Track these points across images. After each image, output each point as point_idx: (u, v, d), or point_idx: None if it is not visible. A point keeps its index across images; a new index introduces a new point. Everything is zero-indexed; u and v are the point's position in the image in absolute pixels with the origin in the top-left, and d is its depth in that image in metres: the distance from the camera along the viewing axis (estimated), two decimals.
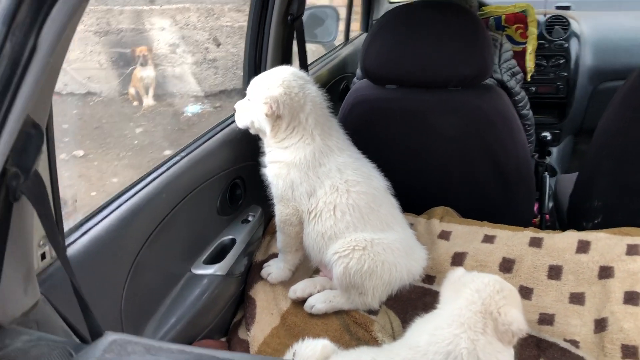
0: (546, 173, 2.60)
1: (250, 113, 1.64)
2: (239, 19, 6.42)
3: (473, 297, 1.20)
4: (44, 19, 0.64)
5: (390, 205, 1.67)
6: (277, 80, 1.59)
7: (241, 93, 1.82)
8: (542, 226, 2.38)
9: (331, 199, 1.59)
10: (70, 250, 1.13)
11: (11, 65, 0.63)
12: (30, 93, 0.66)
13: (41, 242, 1.00)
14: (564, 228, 2.03)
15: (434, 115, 1.87)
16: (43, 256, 1.03)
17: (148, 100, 6.44)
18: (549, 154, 2.93)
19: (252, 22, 1.81)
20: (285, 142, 1.61)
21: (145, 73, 6.40)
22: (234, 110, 1.72)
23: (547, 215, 2.46)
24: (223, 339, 1.65)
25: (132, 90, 6.42)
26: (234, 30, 6.43)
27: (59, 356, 0.78)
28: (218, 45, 6.41)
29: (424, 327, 1.25)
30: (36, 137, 0.71)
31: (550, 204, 2.50)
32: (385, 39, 1.84)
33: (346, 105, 1.94)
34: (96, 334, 0.94)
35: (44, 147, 0.85)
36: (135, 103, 6.46)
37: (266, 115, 1.57)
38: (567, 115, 2.97)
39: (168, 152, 5.55)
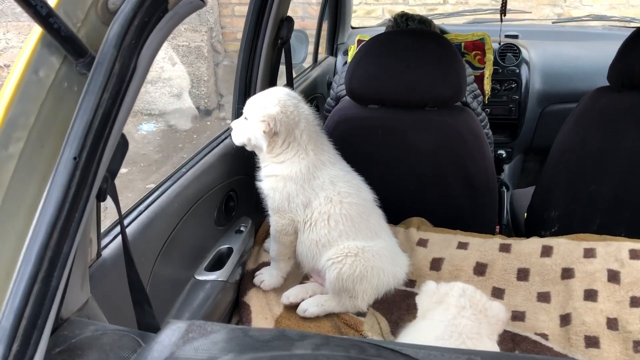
0: (503, 188, 2.82)
1: (247, 131, 1.71)
2: (195, 39, 6.46)
3: (459, 302, 1.33)
4: (143, 43, 0.75)
5: (377, 215, 1.79)
6: (273, 99, 1.69)
7: (229, 111, 1.91)
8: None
9: (325, 209, 1.69)
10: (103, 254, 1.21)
11: (119, 82, 0.73)
12: (129, 106, 0.76)
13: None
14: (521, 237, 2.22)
15: (412, 133, 2.01)
16: None
17: None
18: (502, 170, 3.17)
19: (244, 45, 1.91)
20: (281, 157, 1.70)
21: None
22: (230, 128, 1.82)
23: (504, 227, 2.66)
24: None
25: None
26: (190, 50, 6.46)
27: (129, 343, 0.86)
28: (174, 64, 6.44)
29: (423, 339, 1.34)
30: (123, 145, 0.81)
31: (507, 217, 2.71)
32: (370, 63, 1.97)
33: (331, 123, 2.06)
34: (151, 326, 1.03)
35: None
36: None
37: (264, 132, 1.66)
38: (518, 134, 3.17)
39: (123, 170, 5.50)
